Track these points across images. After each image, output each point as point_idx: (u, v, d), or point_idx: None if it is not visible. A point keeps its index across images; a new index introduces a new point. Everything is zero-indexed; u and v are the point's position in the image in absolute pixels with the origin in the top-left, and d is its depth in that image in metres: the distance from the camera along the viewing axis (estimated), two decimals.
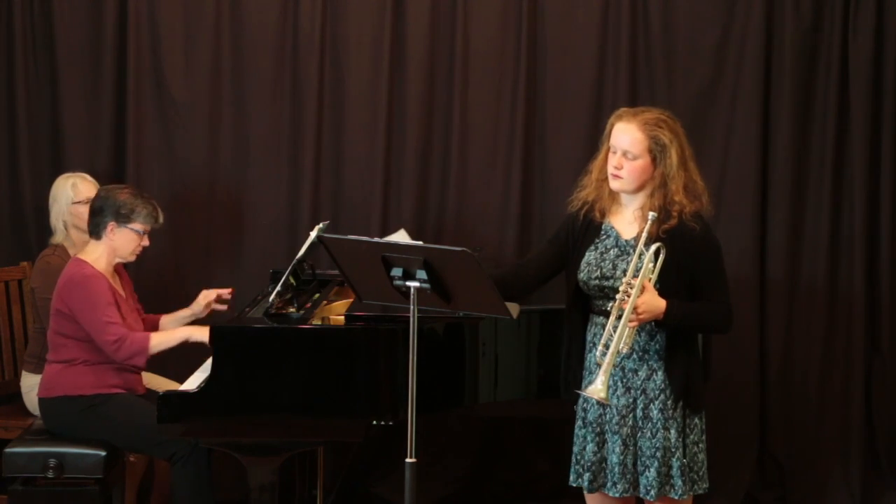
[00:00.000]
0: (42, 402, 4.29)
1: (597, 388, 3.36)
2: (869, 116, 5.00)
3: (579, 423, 3.65)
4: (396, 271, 3.44)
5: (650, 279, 3.43)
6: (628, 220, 3.59)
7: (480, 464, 5.18)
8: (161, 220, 4.32)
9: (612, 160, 3.53)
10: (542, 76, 5.10)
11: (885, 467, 5.12)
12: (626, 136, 3.50)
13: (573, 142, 5.09)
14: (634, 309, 3.38)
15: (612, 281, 3.50)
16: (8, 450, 4.23)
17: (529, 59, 5.06)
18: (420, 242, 3.48)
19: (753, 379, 5.10)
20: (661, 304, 3.42)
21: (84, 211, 4.64)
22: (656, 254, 3.45)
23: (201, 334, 4.09)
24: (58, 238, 4.73)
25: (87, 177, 4.78)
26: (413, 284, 3.42)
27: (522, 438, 5.20)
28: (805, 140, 5.06)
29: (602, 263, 3.55)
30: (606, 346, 3.40)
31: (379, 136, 5.07)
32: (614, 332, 3.39)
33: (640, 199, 3.55)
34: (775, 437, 5.15)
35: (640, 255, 3.44)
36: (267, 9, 5.09)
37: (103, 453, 4.18)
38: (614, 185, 3.54)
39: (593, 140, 5.05)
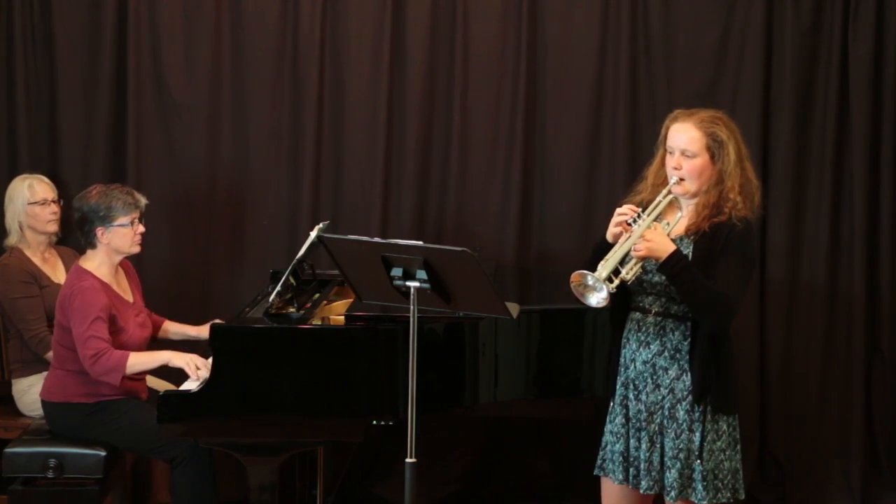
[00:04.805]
0: (45, 404, 4.29)
1: (598, 271, 3.35)
2: (869, 116, 5.00)
3: (621, 419, 3.64)
4: (396, 271, 3.44)
5: (661, 226, 3.45)
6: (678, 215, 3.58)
7: (480, 464, 5.18)
8: (143, 201, 4.29)
9: (671, 161, 3.53)
10: (542, 76, 5.10)
11: (885, 467, 5.12)
12: (684, 136, 3.51)
13: (573, 142, 5.09)
14: (642, 237, 3.39)
15: (650, 275, 3.51)
16: (8, 450, 4.23)
17: (529, 59, 5.06)
18: (420, 242, 3.48)
19: (753, 379, 5.10)
20: (670, 245, 3.42)
21: (40, 212, 4.67)
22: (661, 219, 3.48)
23: (181, 360, 4.09)
24: (12, 239, 4.71)
25: (44, 178, 4.78)
26: (413, 284, 3.43)
27: (522, 438, 5.19)
28: (805, 140, 5.07)
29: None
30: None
31: (379, 136, 5.07)
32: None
33: (697, 198, 3.55)
34: (775, 437, 5.15)
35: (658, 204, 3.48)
36: (267, 9, 5.09)
37: (103, 453, 4.18)
38: (677, 189, 3.52)
39: (593, 140, 5.08)
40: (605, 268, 3.38)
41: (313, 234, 4.16)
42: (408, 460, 3.47)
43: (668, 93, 5.05)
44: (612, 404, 3.68)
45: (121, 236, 4.23)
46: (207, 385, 3.82)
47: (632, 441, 3.61)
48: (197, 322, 4.56)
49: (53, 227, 4.73)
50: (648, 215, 3.46)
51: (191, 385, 3.96)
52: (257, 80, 5.12)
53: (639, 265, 3.46)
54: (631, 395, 3.61)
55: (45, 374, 4.40)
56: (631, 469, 3.61)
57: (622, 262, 3.43)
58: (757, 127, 5.02)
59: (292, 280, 4.14)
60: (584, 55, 5.08)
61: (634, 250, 3.41)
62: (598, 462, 3.71)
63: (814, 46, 5.02)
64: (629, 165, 4.98)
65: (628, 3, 5.02)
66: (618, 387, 3.65)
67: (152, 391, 4.38)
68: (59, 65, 5.09)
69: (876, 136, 5.02)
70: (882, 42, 4.99)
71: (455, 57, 5.08)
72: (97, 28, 5.08)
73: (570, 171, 5.10)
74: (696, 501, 3.53)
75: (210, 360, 3.99)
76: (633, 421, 3.60)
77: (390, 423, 3.81)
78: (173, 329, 4.52)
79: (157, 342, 4.43)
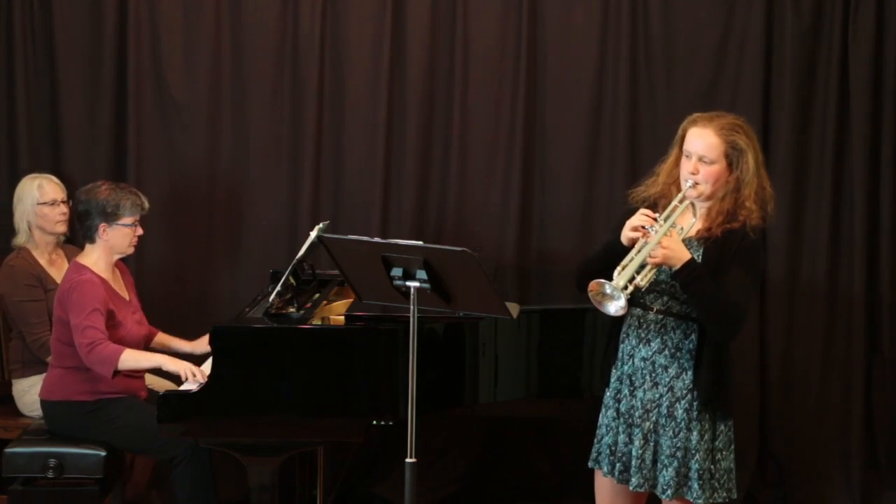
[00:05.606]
0: (44, 404, 4.29)
1: (615, 280, 3.34)
2: (869, 116, 5.00)
3: (612, 412, 3.64)
4: (396, 271, 3.44)
5: (676, 233, 3.44)
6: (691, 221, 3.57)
7: (480, 464, 5.18)
8: (146, 205, 4.31)
9: (687, 165, 3.51)
10: (542, 76, 5.10)
11: (885, 467, 5.12)
12: (702, 142, 3.49)
13: (573, 142, 5.09)
14: (659, 244, 3.38)
15: (658, 274, 3.50)
16: (8, 450, 4.23)
17: (529, 59, 5.06)
18: (420, 242, 3.48)
19: (753, 379, 5.10)
20: (685, 253, 3.41)
21: (49, 212, 4.66)
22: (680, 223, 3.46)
23: (175, 366, 4.08)
24: (21, 239, 4.71)
25: (54, 178, 4.78)
26: (413, 284, 3.43)
27: (522, 438, 5.20)
28: (805, 140, 5.06)
29: None
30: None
31: (379, 137, 5.07)
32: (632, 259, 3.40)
33: (711, 201, 3.54)
34: (775, 437, 5.15)
35: (674, 208, 3.46)
36: (267, 9, 5.09)
37: (103, 453, 4.18)
38: (691, 193, 3.50)
39: (593, 140, 5.08)
40: (622, 277, 3.36)
41: (313, 234, 4.17)
42: (408, 460, 3.47)
43: (668, 93, 5.05)
44: (605, 397, 3.68)
45: (122, 235, 4.25)
46: (207, 385, 3.82)
47: (621, 436, 3.60)
48: (196, 325, 4.56)
49: (62, 228, 4.73)
50: (665, 221, 3.44)
51: (191, 385, 3.96)
52: (257, 80, 5.12)
53: (653, 271, 3.45)
54: (626, 391, 3.60)
55: (45, 374, 4.40)
56: (618, 464, 3.61)
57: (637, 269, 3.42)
58: (757, 127, 5.01)
59: (292, 280, 4.15)
60: (584, 55, 5.08)
61: (651, 257, 3.39)
62: (593, 455, 3.71)
63: (814, 46, 5.02)
64: (629, 165, 4.99)
65: (628, 3, 5.02)
66: (612, 381, 3.64)
67: (152, 391, 4.38)
68: (59, 65, 5.09)
69: (876, 136, 5.02)
70: (882, 42, 4.99)
71: (455, 57, 5.08)
72: (97, 28, 5.08)
73: (570, 171, 5.10)
74: (692, 500, 3.53)
75: (203, 367, 4.00)
76: (625, 416, 3.60)
77: (390, 423, 3.81)
78: (166, 342, 4.47)
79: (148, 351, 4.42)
